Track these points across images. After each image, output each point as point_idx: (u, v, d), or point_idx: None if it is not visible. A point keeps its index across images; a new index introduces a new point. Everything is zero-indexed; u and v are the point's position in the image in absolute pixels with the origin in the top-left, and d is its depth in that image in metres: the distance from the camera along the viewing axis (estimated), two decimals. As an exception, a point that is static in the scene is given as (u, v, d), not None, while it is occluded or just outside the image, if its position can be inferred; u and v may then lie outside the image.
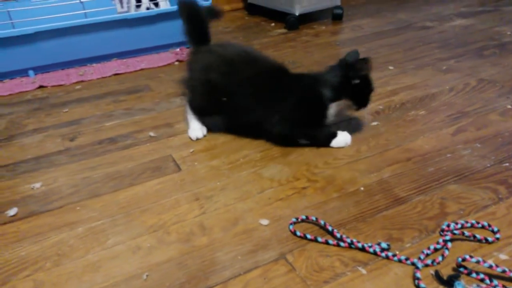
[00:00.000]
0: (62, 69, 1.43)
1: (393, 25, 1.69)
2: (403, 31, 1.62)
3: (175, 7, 1.50)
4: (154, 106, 1.14)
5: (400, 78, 1.20)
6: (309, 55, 1.42)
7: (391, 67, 1.28)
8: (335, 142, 0.89)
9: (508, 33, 1.48)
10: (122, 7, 1.39)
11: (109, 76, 1.37)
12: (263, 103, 0.88)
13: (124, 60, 1.48)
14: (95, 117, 1.11)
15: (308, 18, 1.84)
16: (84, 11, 1.33)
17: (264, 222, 0.70)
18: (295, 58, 1.42)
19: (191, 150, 0.91)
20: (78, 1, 1.36)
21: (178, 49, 1.55)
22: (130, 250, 0.66)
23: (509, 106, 0.99)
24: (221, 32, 1.78)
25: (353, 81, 0.84)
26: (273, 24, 1.84)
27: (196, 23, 1.00)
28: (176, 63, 1.46)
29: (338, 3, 1.82)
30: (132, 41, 1.46)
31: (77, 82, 1.34)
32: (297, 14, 1.72)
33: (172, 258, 0.64)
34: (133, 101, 1.18)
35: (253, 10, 2.02)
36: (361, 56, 0.85)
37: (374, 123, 0.97)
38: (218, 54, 0.92)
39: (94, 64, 1.45)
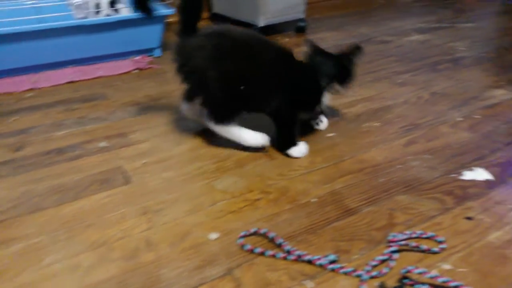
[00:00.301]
0: (14, 76, 1.36)
1: (355, 38, 1.72)
2: (364, 44, 1.64)
3: (136, 14, 1.47)
4: (108, 115, 1.11)
5: (358, 90, 1.22)
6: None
7: (349, 79, 1.30)
8: (293, 150, 0.88)
9: (462, 48, 1.54)
10: (80, 13, 1.35)
11: (63, 84, 1.32)
12: (275, 87, 0.86)
13: (81, 67, 1.43)
14: (45, 126, 1.06)
15: (272, 30, 1.85)
16: (38, 16, 1.28)
17: (214, 236, 0.68)
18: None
19: (144, 161, 0.89)
20: (32, 5, 1.31)
21: (138, 57, 1.52)
22: (69, 269, 0.62)
23: (460, 119, 1.02)
24: (184, 41, 1.76)
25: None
26: (237, 35, 1.84)
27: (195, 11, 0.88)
28: (136, 71, 1.42)
29: (302, 16, 1.84)
30: (90, 48, 1.42)
31: (29, 90, 1.28)
32: (260, 25, 1.73)
33: (113, 277, 0.61)
34: (87, 109, 1.14)
35: (218, 19, 2.02)
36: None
37: (330, 135, 0.97)
38: (231, 38, 0.85)
39: (48, 71, 1.40)
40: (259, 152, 0.90)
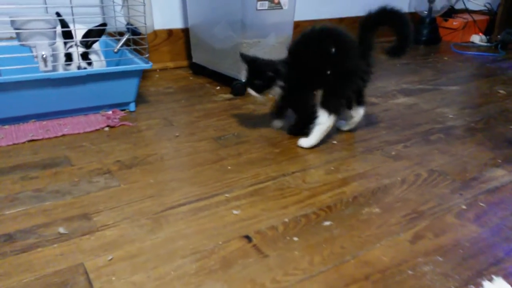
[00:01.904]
0: (-35, 130, 1.20)
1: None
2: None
3: (110, 68, 1.35)
4: (71, 187, 0.96)
5: (350, 163, 1.13)
6: (255, 128, 1.33)
7: (339, 148, 1.21)
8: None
9: (451, 116, 1.50)
10: (46, 65, 1.22)
11: (23, 143, 1.16)
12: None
13: (44, 122, 1.28)
14: (-6, 201, 0.90)
15: (255, 84, 1.77)
16: (-1, 66, 1.14)
17: None
18: (240, 130, 1.31)
19: (110, 258, 0.74)
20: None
21: (110, 112, 1.39)
22: None
23: (464, 206, 0.94)
24: (161, 93, 1.65)
25: None
26: (218, 88, 1.75)
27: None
28: (106, 128, 1.29)
29: (286, 70, 1.78)
30: (55, 101, 1.28)
31: (-20, 149, 1.12)
32: (244, 80, 1.64)
33: None
34: (47, 179, 0.99)
35: (197, 70, 1.92)
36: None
37: (327, 223, 0.86)
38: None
39: (7, 126, 1.24)
40: (247, 245, 0.78)
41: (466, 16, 2.85)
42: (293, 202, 0.94)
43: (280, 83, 1.18)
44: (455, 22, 2.82)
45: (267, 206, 0.91)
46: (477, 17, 2.84)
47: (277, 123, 1.31)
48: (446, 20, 2.85)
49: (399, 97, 1.71)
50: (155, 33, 1.93)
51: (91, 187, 0.96)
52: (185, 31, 2.00)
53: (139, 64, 1.39)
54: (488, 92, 1.79)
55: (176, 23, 2.00)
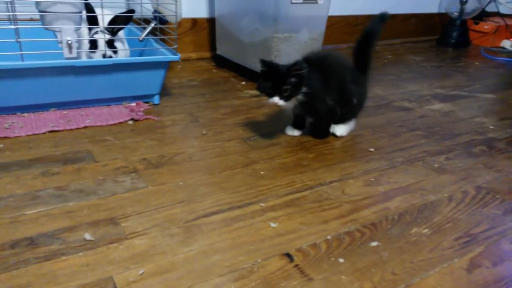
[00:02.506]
0: (-18, 116, 1.14)
1: (372, 101, 1.58)
2: (383, 110, 1.51)
3: (137, 58, 1.28)
4: (95, 186, 0.89)
5: (391, 174, 1.06)
6: (284, 129, 1.25)
7: (377, 156, 1.14)
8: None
9: (491, 127, 1.42)
10: (70, 52, 1.15)
11: (43, 133, 1.10)
12: None
13: (65, 112, 1.22)
14: (14, 198, 0.83)
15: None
16: (21, 53, 1.07)
17: None
18: (269, 130, 1.24)
19: (141, 272, 0.67)
20: (14, 40, 1.10)
21: (133, 104, 1.32)
22: None
23: (520, 232, 0.87)
24: (185, 86, 1.58)
25: None
26: (243, 83, 1.67)
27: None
28: (130, 122, 1.22)
29: (315, 68, 1.69)
30: (78, 90, 1.21)
31: (-1, 138, 1.06)
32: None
33: None
34: (69, 175, 0.93)
35: (221, 62, 1.85)
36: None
37: (374, 244, 0.79)
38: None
39: (26, 114, 1.18)
40: (289, 265, 0.71)
41: (498, 19, 2.74)
42: (334, 217, 0.86)
43: (305, 89, 1.09)
44: (486, 26, 2.72)
45: (306, 220, 0.84)
46: (510, 22, 2.73)
47: (294, 131, 1.23)
48: (476, 23, 2.74)
49: (434, 102, 1.63)
50: (179, 22, 1.85)
51: (117, 187, 0.90)
52: (211, 21, 1.92)
53: (167, 55, 1.32)
54: (527, 103, 1.69)
55: (202, 12, 1.91)
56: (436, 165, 1.12)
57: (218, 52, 1.84)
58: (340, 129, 1.23)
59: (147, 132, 1.16)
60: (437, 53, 2.48)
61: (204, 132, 1.20)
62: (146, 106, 1.32)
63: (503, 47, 2.69)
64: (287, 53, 1.53)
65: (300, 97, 1.10)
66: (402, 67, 2.12)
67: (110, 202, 0.84)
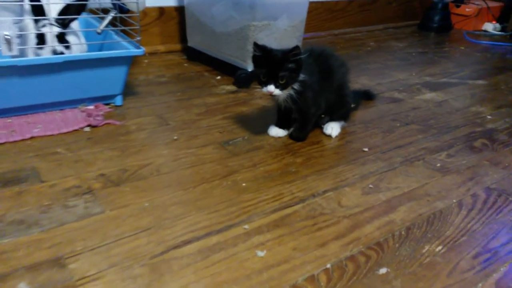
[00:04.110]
0: None
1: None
2: (373, 102, 1.38)
3: (93, 54, 1.10)
4: (40, 215, 0.72)
5: (391, 178, 0.93)
6: (267, 129, 1.10)
7: (372, 157, 1.01)
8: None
9: (489, 116, 1.31)
10: (10, 49, 0.96)
11: (-21, 148, 0.92)
12: None
13: (9, 120, 1.03)
14: None
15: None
16: None
17: None
18: (250, 132, 1.09)
19: (93, 335, 0.52)
20: None
21: (92, 107, 1.15)
22: None
23: (545, 243, 0.75)
24: (152, 83, 1.41)
25: None
26: (219, 77, 1.51)
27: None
28: (87, 129, 1.04)
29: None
30: (23, 94, 1.03)
31: None
32: (249, 70, 1.41)
33: None
34: (7, 201, 0.76)
35: (193, 55, 1.68)
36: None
37: (382, 271, 0.66)
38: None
39: (-41, 125, 0.99)
40: (283, 309, 0.57)
41: (480, 2, 2.65)
42: (332, 237, 0.73)
43: (303, 76, 0.96)
44: (468, 9, 2.62)
45: (300, 244, 0.70)
46: (491, 4, 2.65)
47: (279, 132, 1.08)
48: (458, 6, 2.65)
49: (424, 92, 1.51)
50: (144, 11, 1.67)
51: (66, 215, 0.73)
52: (180, 10, 1.74)
53: (129, 49, 1.14)
54: (520, 88, 1.60)
55: (169, 0, 1.73)
56: (438, 164, 1.00)
57: (189, 44, 1.66)
58: (335, 130, 1.10)
59: (107, 141, 1.00)
60: (420, 39, 2.37)
61: (175, 137, 1.04)
62: (106, 108, 1.15)
63: (485, 30, 2.60)
64: (266, 42, 1.38)
65: (296, 86, 0.96)
66: (386, 54, 2.00)
67: (56, 235, 0.68)
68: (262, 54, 0.94)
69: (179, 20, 1.76)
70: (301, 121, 1.06)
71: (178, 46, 1.80)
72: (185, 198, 0.80)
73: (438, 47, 2.19)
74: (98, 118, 1.08)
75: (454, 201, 0.86)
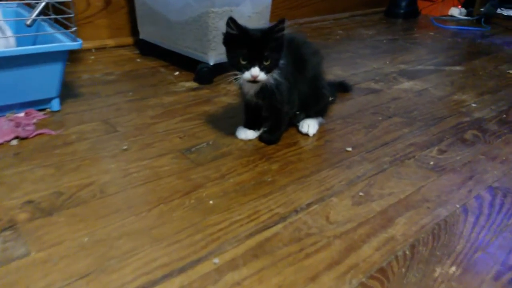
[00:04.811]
0: None
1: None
2: (350, 94, 1.26)
3: (21, 49, 0.90)
4: None
5: (382, 182, 0.80)
6: (235, 131, 0.95)
7: (358, 158, 0.88)
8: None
9: (473, 105, 1.21)
10: None
11: None
12: None
13: None
14: None
15: (224, 69, 1.38)
16: None
17: None
18: (215, 135, 0.93)
19: None
20: None
21: (21, 114, 0.95)
22: None
23: None
24: (99, 82, 1.22)
25: None
26: (177, 73, 1.34)
27: None
28: (14, 142, 0.85)
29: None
30: None
31: None
32: (211, 64, 1.25)
33: None
34: None
35: (147, 49, 1.49)
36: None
37: (391, 308, 0.52)
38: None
39: None
40: None
41: (445, -14, 2.60)
42: (325, 265, 0.58)
43: (282, 62, 0.81)
44: (433, -6, 2.56)
45: (286, 279, 0.56)
46: (456, -12, 2.60)
47: (249, 134, 0.93)
48: (424, -9, 2.58)
49: (402, 81, 1.40)
50: (87, 0, 1.46)
51: (-25, 262, 0.55)
52: (128, -1, 1.54)
53: (64, 42, 0.95)
54: (498, 74, 1.52)
55: (116, -12, 1.53)
56: (431, 162, 0.88)
57: (141, 36, 1.48)
58: (312, 127, 0.96)
59: (39, 156, 0.81)
60: (388, 25, 2.28)
61: (124, 147, 0.87)
62: (40, 115, 0.96)
63: (452, 15, 2.55)
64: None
65: (275, 74, 0.81)
66: (356, 42, 1.89)
67: (-44, 296, 0.50)
68: (239, 32, 0.78)
69: (128, 9, 1.56)
70: (274, 120, 0.92)
71: (129, 40, 1.60)
72: (136, 227, 0.63)
73: (408, 34, 2.10)
74: (29, 128, 0.89)
75: (458, 206, 0.74)
